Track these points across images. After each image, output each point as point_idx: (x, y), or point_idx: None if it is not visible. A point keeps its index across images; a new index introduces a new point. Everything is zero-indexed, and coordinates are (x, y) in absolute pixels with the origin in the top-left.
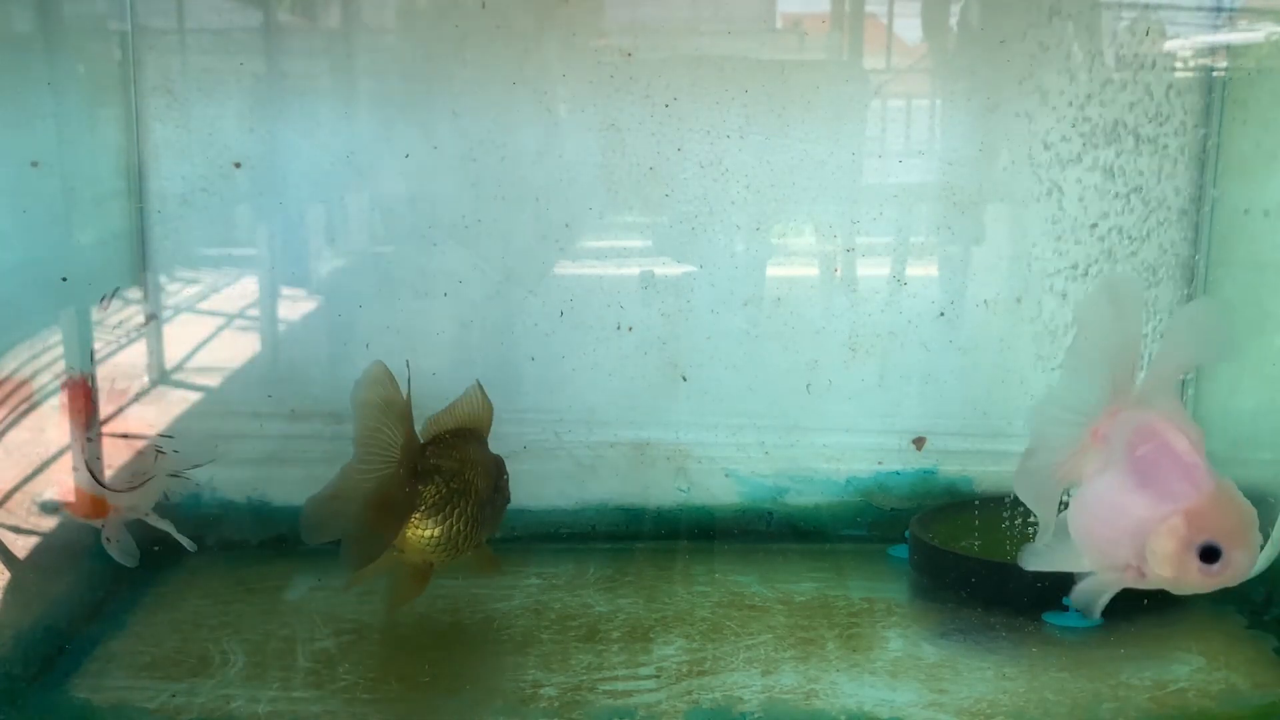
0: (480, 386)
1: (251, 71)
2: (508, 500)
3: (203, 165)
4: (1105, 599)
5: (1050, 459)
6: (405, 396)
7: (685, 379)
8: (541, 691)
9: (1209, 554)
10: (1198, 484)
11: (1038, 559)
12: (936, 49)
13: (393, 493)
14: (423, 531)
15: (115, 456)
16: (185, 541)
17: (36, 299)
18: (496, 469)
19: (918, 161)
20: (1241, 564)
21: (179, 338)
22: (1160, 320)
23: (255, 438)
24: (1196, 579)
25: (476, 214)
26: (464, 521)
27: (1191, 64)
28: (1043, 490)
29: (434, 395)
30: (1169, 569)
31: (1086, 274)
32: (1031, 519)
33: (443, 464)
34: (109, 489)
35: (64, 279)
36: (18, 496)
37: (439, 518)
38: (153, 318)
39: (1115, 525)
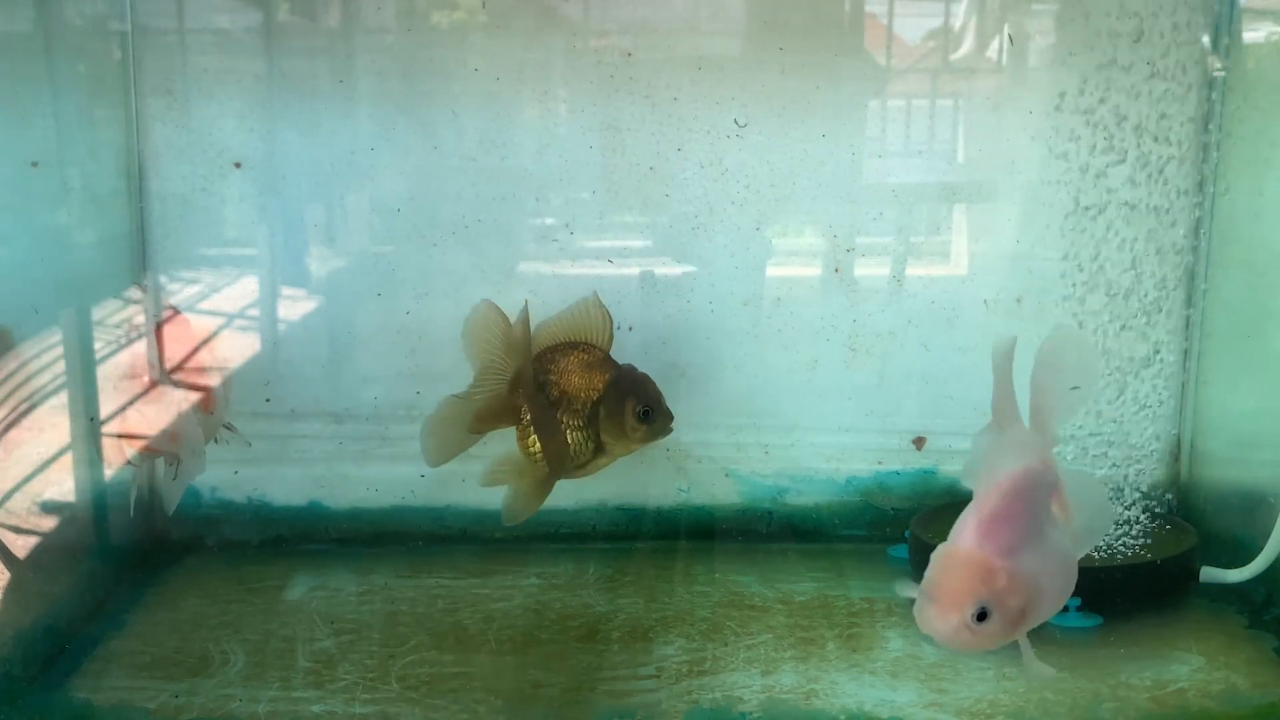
0: (597, 298)
1: (251, 71)
2: (649, 419)
3: (203, 165)
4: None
5: None
6: (519, 327)
7: (684, 377)
8: (541, 691)
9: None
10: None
11: None
12: (936, 49)
13: (496, 406)
14: (529, 444)
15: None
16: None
17: (36, 299)
18: (620, 385)
19: (918, 161)
20: (923, 615)
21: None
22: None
23: (255, 438)
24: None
25: (476, 214)
26: (572, 433)
27: (1192, 63)
28: None
29: (434, 396)
30: None
31: (1087, 273)
32: None
33: (545, 379)
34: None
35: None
36: (17, 496)
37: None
38: (174, 310)
39: None
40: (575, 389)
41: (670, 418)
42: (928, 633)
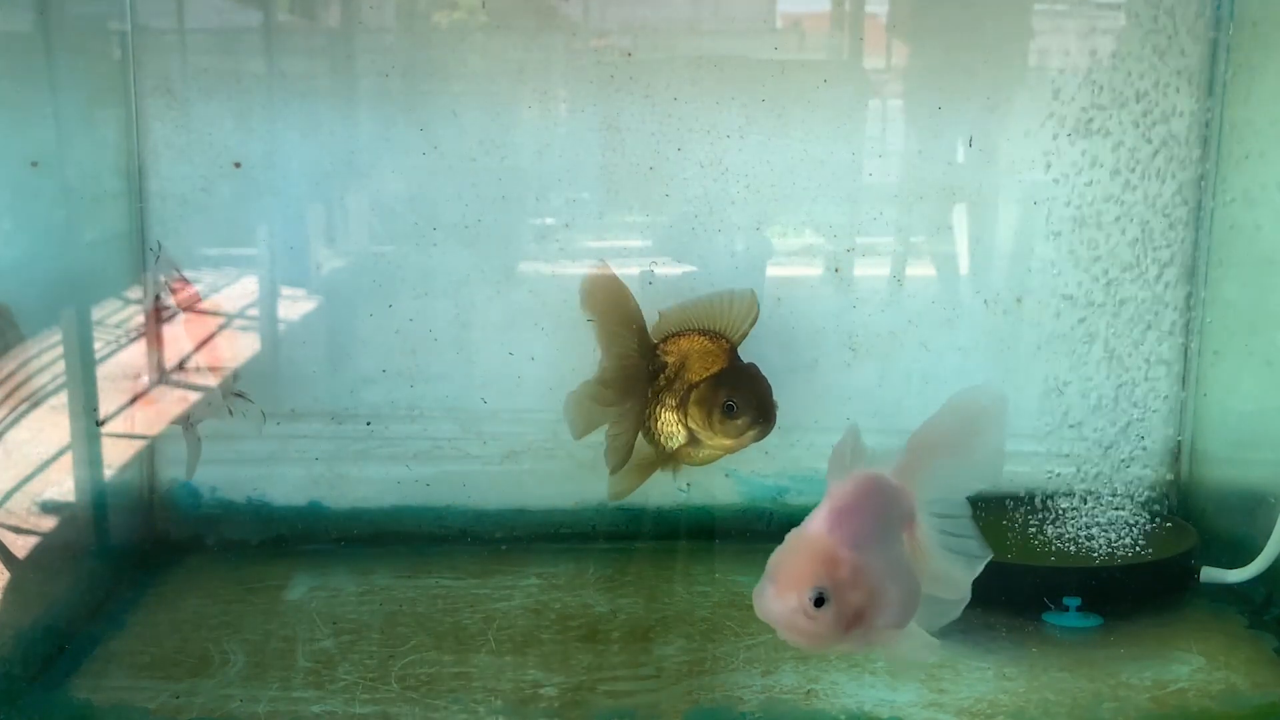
0: (752, 295)
1: (251, 71)
2: (755, 416)
3: (203, 165)
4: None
5: None
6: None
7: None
8: (541, 691)
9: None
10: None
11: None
12: (936, 48)
13: (618, 376)
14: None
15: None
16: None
17: (37, 299)
18: (722, 377)
19: (917, 161)
20: (760, 597)
21: (179, 337)
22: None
23: (255, 438)
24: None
25: (476, 214)
26: (665, 412)
27: (1193, 63)
28: None
29: (435, 396)
30: None
31: (1087, 274)
32: (1032, 519)
33: (662, 360)
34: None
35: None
36: (17, 496)
37: (656, 409)
38: (193, 297)
39: None
40: (685, 372)
41: (762, 420)
42: (762, 616)
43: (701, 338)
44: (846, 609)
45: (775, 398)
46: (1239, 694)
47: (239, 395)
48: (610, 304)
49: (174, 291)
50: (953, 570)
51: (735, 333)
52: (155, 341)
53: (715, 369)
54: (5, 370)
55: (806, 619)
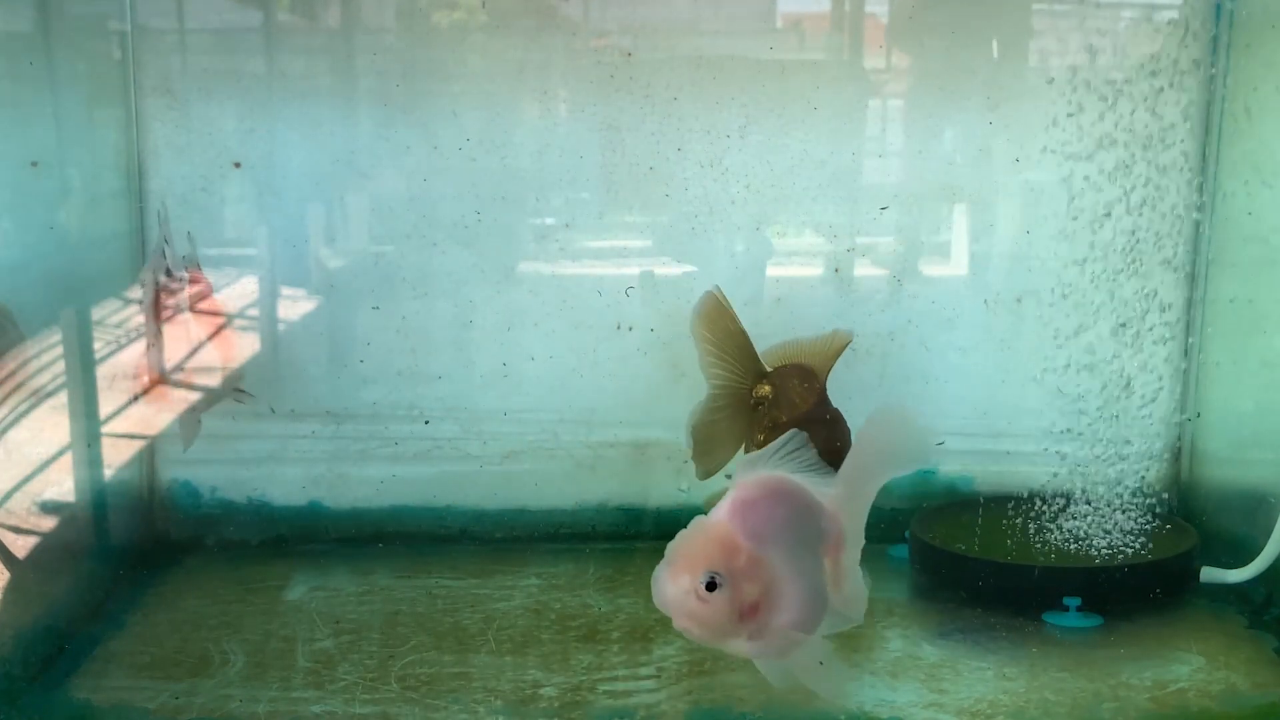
0: (840, 335)
1: (251, 71)
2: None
3: (203, 165)
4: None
5: None
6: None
7: (684, 377)
8: (541, 691)
9: None
10: None
11: None
12: (936, 48)
13: (727, 411)
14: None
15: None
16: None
17: (37, 299)
18: (799, 421)
19: (918, 161)
20: (656, 579)
21: (179, 337)
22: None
23: (255, 438)
24: None
25: (476, 214)
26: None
27: (1193, 63)
28: None
29: (434, 396)
30: None
31: (1087, 273)
32: (1032, 520)
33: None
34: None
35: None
36: (17, 496)
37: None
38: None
39: None
40: (774, 409)
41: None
42: (657, 601)
43: (796, 377)
44: (740, 598)
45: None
46: (1239, 694)
47: (240, 391)
48: (723, 330)
49: (194, 281)
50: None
51: (825, 373)
52: (155, 318)
53: (801, 410)
54: (5, 370)
55: (698, 602)
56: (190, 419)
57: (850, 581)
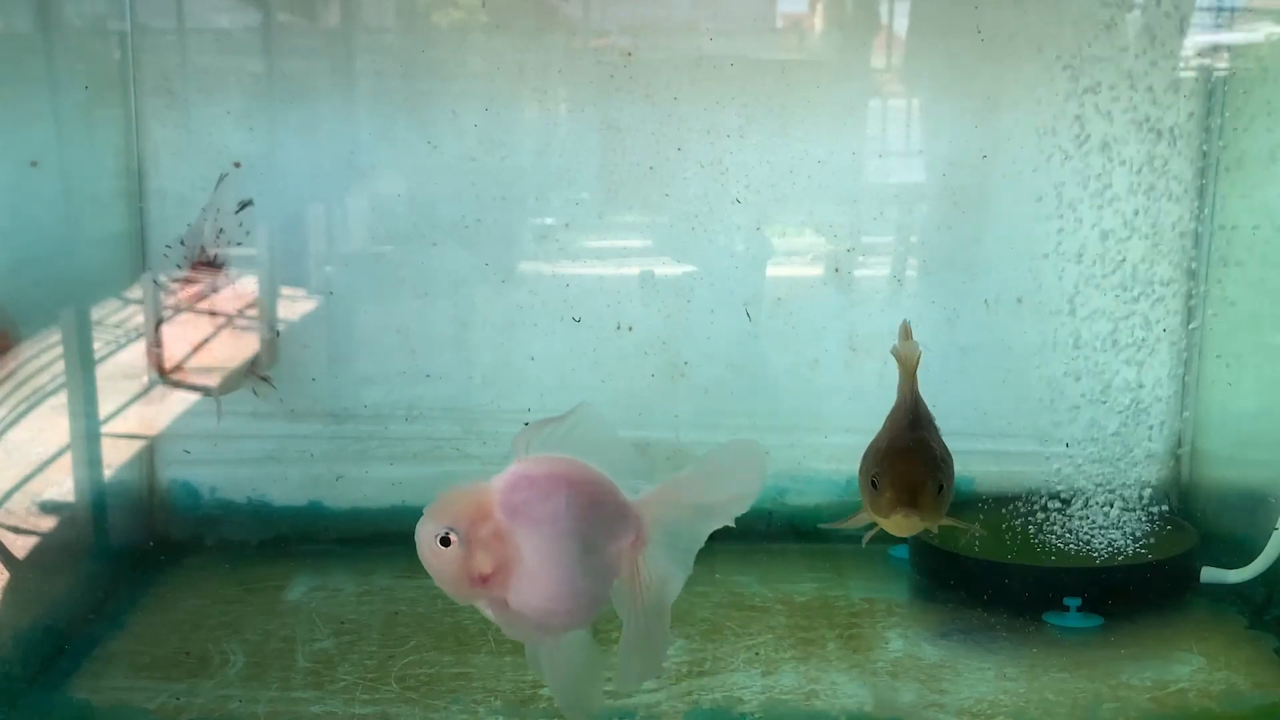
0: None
1: (251, 71)
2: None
3: (203, 165)
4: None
5: None
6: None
7: (684, 377)
8: (541, 691)
9: None
10: None
11: None
12: (937, 48)
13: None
14: None
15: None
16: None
17: (37, 299)
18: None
19: (918, 161)
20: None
21: (179, 338)
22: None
23: (255, 438)
24: None
25: (476, 214)
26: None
27: (1192, 64)
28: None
29: (434, 397)
30: None
31: (1087, 273)
32: (1032, 520)
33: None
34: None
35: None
36: (17, 496)
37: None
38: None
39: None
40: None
41: (907, 503)
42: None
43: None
44: (471, 564)
45: (942, 478)
46: (1239, 694)
47: (264, 380)
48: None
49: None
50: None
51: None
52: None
53: (889, 436)
54: (5, 370)
55: (431, 552)
56: (233, 378)
57: (651, 590)
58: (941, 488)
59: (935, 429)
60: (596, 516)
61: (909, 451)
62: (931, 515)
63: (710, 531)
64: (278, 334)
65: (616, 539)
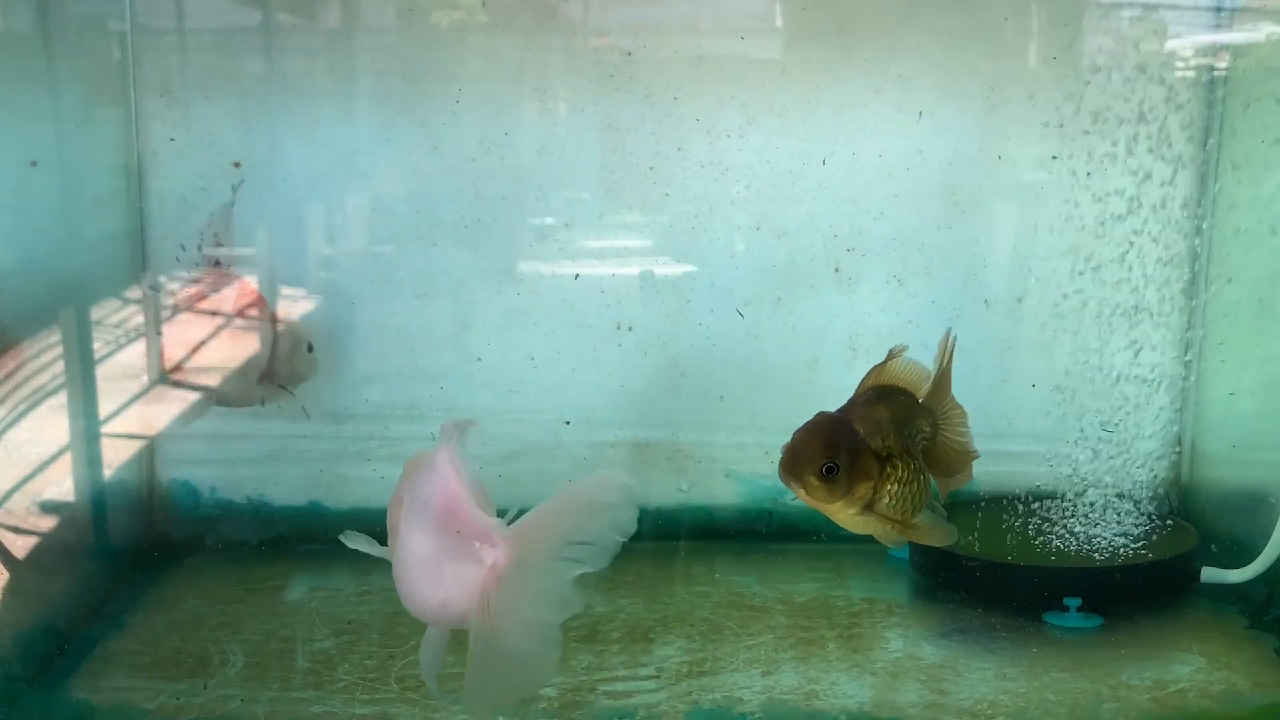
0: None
1: (251, 71)
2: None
3: (203, 165)
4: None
5: None
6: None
7: (684, 377)
8: (541, 692)
9: None
10: None
11: None
12: (937, 48)
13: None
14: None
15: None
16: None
17: (37, 299)
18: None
19: (918, 161)
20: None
21: (179, 338)
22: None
23: (255, 438)
24: None
25: (476, 214)
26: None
27: (1192, 64)
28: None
29: (434, 396)
30: None
31: (1087, 274)
32: (1032, 520)
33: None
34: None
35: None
36: (17, 496)
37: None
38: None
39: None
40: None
41: (782, 468)
42: None
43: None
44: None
45: (842, 454)
46: (1240, 694)
47: (282, 388)
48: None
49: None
50: (527, 640)
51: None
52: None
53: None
54: (4, 370)
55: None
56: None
57: (510, 613)
58: (835, 469)
59: (923, 424)
60: (452, 522)
61: (817, 427)
62: (821, 496)
63: (575, 575)
64: (311, 347)
65: (473, 557)
